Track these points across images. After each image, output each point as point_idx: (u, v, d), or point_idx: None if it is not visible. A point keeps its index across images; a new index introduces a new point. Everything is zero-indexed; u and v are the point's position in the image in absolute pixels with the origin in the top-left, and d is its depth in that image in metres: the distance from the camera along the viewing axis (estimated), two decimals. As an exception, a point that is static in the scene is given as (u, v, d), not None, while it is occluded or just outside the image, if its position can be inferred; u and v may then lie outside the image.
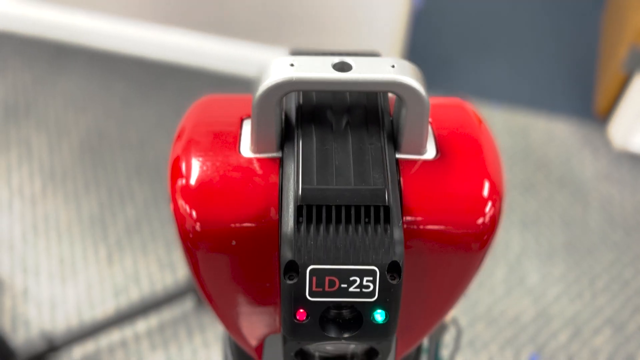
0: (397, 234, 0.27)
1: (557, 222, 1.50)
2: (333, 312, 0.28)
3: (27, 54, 1.81)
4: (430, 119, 0.32)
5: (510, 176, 1.59)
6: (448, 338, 0.64)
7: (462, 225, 0.29)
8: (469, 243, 0.29)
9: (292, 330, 0.28)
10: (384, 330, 0.28)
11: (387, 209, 0.27)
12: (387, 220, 0.27)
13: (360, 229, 0.27)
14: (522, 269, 1.41)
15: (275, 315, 0.32)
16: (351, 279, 0.26)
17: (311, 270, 0.26)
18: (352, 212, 0.27)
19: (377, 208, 0.27)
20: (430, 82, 0.35)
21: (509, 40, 2.00)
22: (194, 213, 0.28)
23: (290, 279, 0.26)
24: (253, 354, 0.37)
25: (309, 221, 0.27)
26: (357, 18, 1.60)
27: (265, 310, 0.32)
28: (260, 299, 0.32)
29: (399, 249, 0.26)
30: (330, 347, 0.34)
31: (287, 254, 0.26)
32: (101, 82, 1.75)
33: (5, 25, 1.86)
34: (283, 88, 0.28)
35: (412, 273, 0.30)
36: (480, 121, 0.33)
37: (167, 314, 1.29)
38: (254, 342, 0.35)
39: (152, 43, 1.78)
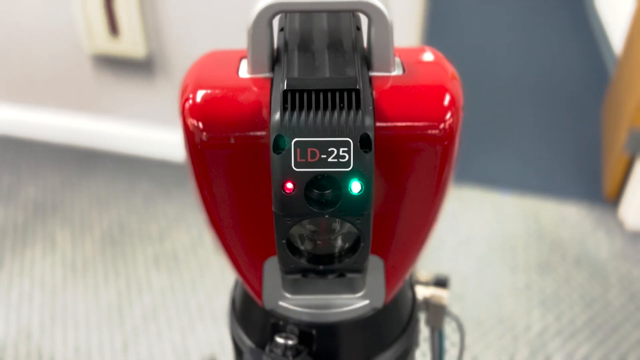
0: (368, 114, 0.31)
1: (577, 301, 1.47)
2: (316, 192, 0.32)
3: (58, 158, 1.94)
4: (398, 54, 0.37)
5: (525, 257, 1.58)
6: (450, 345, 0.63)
7: (426, 127, 0.34)
8: (433, 145, 0.34)
9: (281, 203, 0.31)
10: (361, 202, 0.31)
11: (357, 93, 0.31)
12: (359, 104, 0.31)
13: (336, 112, 0.31)
14: (546, 350, 1.37)
15: (272, 235, 0.35)
16: (329, 149, 0.31)
17: (295, 143, 0.31)
18: (329, 97, 0.31)
19: (349, 93, 0.31)
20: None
21: (514, 129, 2.09)
22: (200, 125, 0.34)
23: (278, 154, 0.31)
24: (253, 284, 0.39)
25: (292, 107, 0.31)
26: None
27: (262, 227, 0.36)
28: (258, 211, 0.35)
29: (369, 125, 0.31)
30: (315, 229, 0.36)
31: (275, 131, 0.31)
32: (126, 182, 1.84)
33: (40, 135, 2.01)
34: (272, 9, 0.33)
35: (387, 173, 0.34)
36: (441, 56, 0.38)
37: (180, 399, 1.26)
38: (253, 264, 0.38)
39: (175, 145, 1.90)
